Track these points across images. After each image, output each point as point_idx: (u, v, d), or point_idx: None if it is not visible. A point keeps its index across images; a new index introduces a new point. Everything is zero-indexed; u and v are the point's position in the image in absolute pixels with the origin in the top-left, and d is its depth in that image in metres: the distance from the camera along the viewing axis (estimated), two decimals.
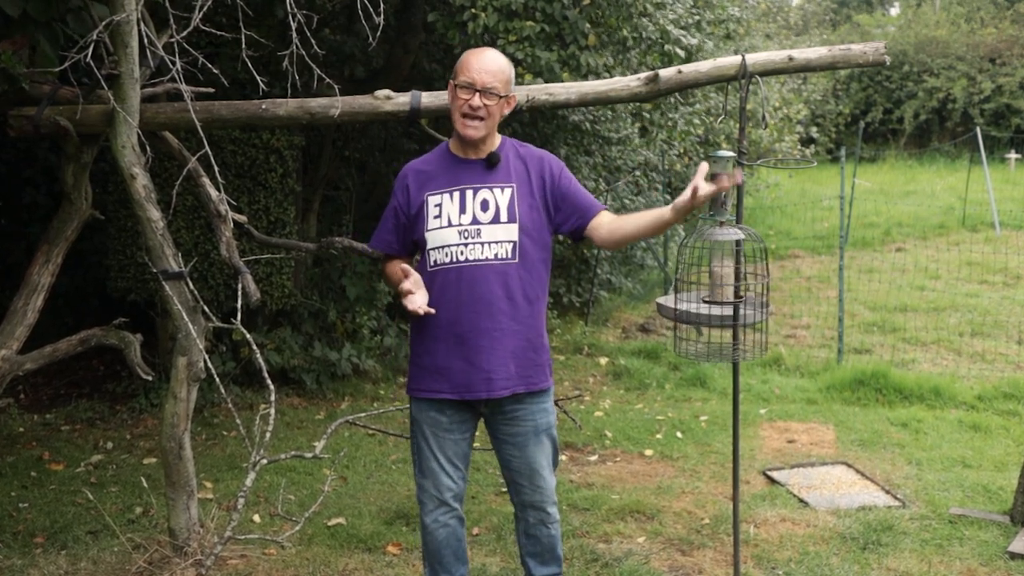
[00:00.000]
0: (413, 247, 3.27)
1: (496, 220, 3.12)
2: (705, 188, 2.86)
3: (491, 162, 3.17)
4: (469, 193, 3.14)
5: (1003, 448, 5.65)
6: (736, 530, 3.89)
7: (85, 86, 4.02)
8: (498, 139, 3.24)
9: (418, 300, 3.08)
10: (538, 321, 3.22)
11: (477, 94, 3.06)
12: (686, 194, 2.89)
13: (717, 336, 3.74)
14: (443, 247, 3.11)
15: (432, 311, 3.07)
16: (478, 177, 3.16)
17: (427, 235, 3.14)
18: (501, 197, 3.14)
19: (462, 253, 3.10)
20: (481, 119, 3.09)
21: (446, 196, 3.14)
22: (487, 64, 3.10)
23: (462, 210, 3.12)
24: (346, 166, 7.79)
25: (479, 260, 3.10)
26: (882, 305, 9.63)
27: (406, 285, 3.09)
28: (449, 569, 3.34)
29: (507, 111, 3.21)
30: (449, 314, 3.11)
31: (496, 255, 3.11)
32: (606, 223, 3.21)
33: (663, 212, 3.10)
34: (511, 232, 3.12)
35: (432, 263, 3.15)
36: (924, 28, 26.83)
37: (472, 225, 3.11)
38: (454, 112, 3.13)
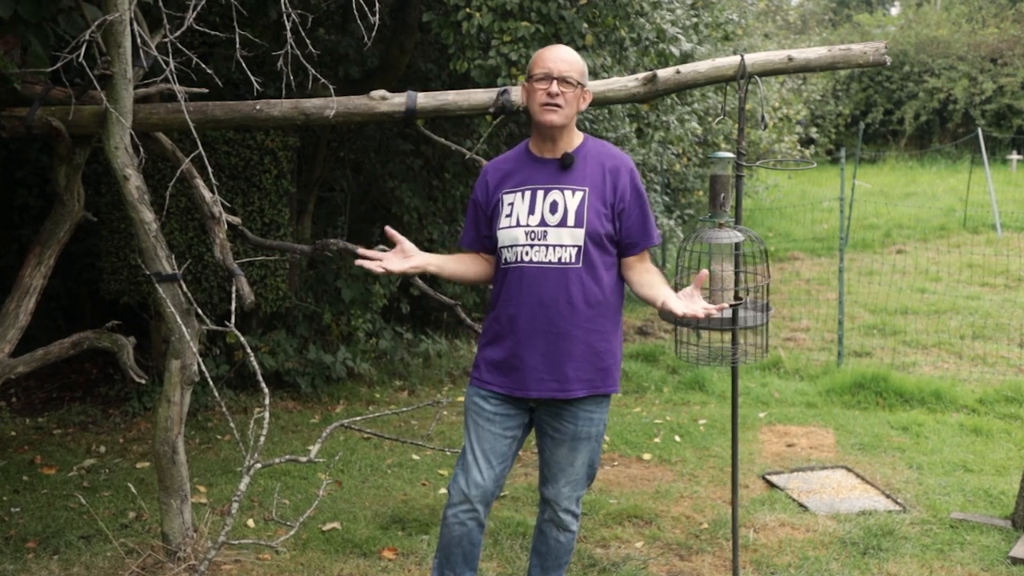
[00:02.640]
0: (491, 243, 3.28)
1: (563, 223, 3.11)
2: (699, 313, 2.96)
3: (565, 163, 3.16)
4: (540, 193, 3.15)
5: (1004, 452, 5.62)
6: (735, 535, 3.87)
7: (77, 86, 3.99)
8: (579, 138, 3.24)
9: (394, 264, 3.13)
10: (605, 327, 3.19)
11: (554, 82, 3.09)
12: (678, 309, 2.98)
13: (717, 339, 3.72)
14: (511, 246, 3.15)
15: (394, 270, 3.12)
16: (551, 177, 3.17)
17: (499, 233, 3.18)
18: (571, 200, 3.13)
19: (527, 254, 3.12)
20: (559, 106, 3.10)
21: (518, 195, 3.18)
22: (561, 54, 3.16)
23: (531, 211, 3.14)
24: (341, 167, 7.76)
25: (542, 262, 3.11)
26: (882, 308, 9.60)
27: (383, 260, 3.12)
28: (455, 569, 3.33)
29: (583, 106, 3.23)
30: (511, 312, 3.15)
31: (560, 259, 3.11)
32: (634, 270, 3.23)
33: (656, 296, 3.14)
34: (577, 236, 3.11)
35: (503, 261, 3.19)
36: (925, 28, 26.80)
37: (540, 227, 3.12)
38: (532, 105, 3.15)
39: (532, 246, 3.12)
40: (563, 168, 3.17)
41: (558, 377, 3.14)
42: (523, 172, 3.21)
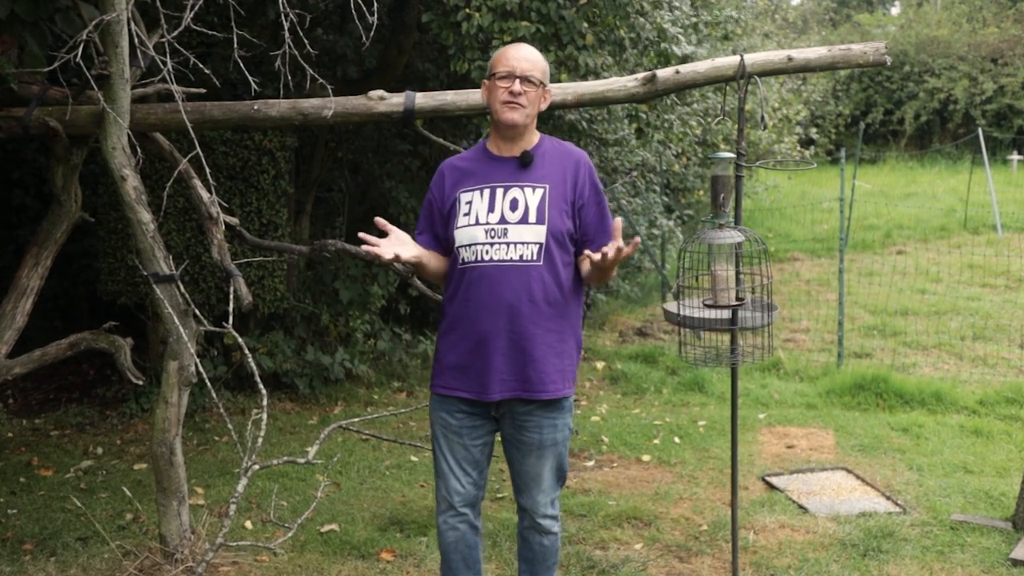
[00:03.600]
0: (447, 243, 3.22)
1: (524, 220, 3.08)
2: (625, 249, 2.89)
3: (524, 161, 3.14)
4: (500, 191, 3.12)
5: (1005, 453, 5.60)
6: (735, 537, 3.86)
7: (75, 86, 3.98)
8: (536, 136, 3.22)
9: (392, 249, 3.00)
10: (564, 326, 3.17)
11: (516, 80, 3.07)
12: (598, 255, 2.91)
13: (721, 340, 3.71)
14: (470, 245, 3.10)
15: (404, 257, 3.02)
16: (511, 175, 3.14)
17: (456, 232, 3.13)
18: (532, 197, 3.10)
19: (487, 252, 3.08)
20: (522, 106, 3.09)
21: (476, 193, 3.13)
22: (524, 53, 3.14)
23: (491, 208, 3.10)
24: (339, 168, 7.74)
25: (503, 260, 3.07)
26: (882, 308, 9.58)
27: (379, 246, 3.01)
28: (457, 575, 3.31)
29: (544, 105, 3.21)
30: (471, 312, 3.10)
31: (521, 256, 3.07)
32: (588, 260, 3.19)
33: (584, 264, 3.14)
34: (539, 234, 3.08)
35: (461, 261, 3.13)
36: (925, 28, 26.77)
37: (500, 224, 3.08)
38: (493, 104, 3.13)
39: (492, 244, 3.07)
40: (523, 166, 3.14)
41: (521, 378, 3.10)
42: (482, 171, 3.17)
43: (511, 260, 3.06)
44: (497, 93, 3.10)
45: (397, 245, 3.04)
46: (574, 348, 3.22)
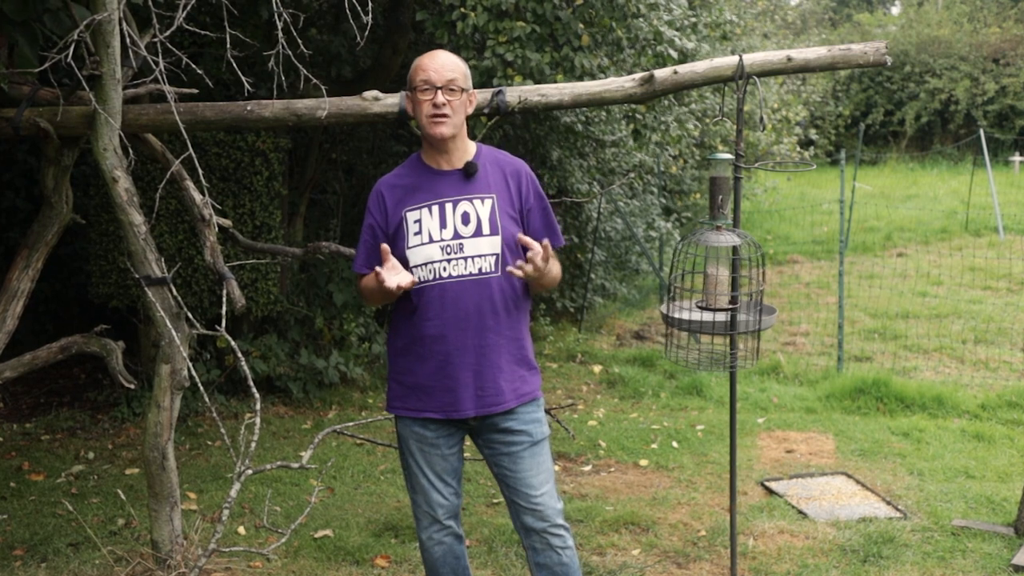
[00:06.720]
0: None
1: (479, 233, 3.05)
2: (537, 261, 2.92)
3: (469, 172, 3.09)
4: (449, 206, 3.06)
5: (1007, 458, 5.57)
6: (733, 542, 3.84)
7: (66, 87, 3.94)
8: (473, 147, 3.18)
9: (396, 279, 2.95)
10: (522, 332, 3.16)
11: (438, 91, 3.01)
12: (519, 271, 2.94)
13: (712, 343, 3.67)
14: (426, 264, 3.05)
15: (416, 279, 3.00)
16: (457, 188, 3.09)
17: (408, 253, 3.06)
18: (482, 209, 3.07)
19: (445, 269, 3.03)
20: (447, 116, 3.02)
21: (425, 211, 3.07)
22: (441, 61, 3.07)
23: (443, 224, 3.05)
24: (333, 169, 7.72)
25: (463, 276, 3.03)
26: (883, 312, 9.55)
27: (382, 275, 2.95)
28: None
29: (471, 109, 3.15)
30: (434, 331, 3.05)
31: (480, 269, 3.04)
32: None
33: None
34: (495, 244, 3.05)
35: (416, 280, 3.06)
36: (926, 28, 26.76)
37: (454, 240, 3.04)
38: (419, 118, 3.07)
39: (449, 261, 3.03)
40: (467, 177, 3.09)
41: (493, 391, 3.06)
42: (425, 187, 3.10)
43: (470, 274, 3.03)
44: (421, 107, 3.04)
45: (401, 275, 2.99)
46: (530, 348, 3.21)
